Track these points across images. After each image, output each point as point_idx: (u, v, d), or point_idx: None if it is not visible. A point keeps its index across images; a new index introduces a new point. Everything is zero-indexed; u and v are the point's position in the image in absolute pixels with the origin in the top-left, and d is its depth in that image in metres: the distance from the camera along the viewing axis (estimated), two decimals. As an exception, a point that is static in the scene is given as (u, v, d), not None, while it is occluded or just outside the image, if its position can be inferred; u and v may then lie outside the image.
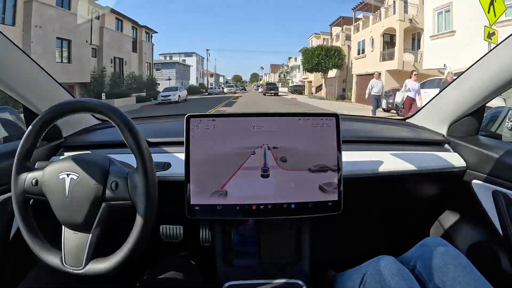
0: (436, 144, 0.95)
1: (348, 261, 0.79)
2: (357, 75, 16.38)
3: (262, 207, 0.69)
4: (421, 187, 0.94)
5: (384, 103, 8.91)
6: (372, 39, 15.40)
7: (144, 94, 16.50)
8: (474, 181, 0.84)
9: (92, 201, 0.55)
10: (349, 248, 1.10)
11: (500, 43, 0.74)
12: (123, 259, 0.54)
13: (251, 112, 0.71)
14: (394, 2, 13.57)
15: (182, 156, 0.71)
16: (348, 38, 18.79)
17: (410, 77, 6.76)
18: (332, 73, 18.66)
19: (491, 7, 7.06)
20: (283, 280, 0.78)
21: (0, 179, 0.67)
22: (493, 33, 7.14)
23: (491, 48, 0.77)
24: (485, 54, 0.78)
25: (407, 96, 6.58)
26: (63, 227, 0.57)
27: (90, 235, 0.55)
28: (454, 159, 0.88)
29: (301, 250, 0.85)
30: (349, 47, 18.32)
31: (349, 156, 0.81)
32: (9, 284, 0.72)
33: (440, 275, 0.61)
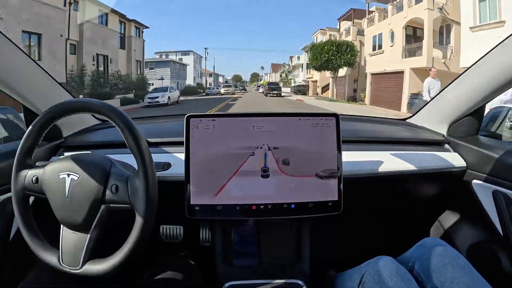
0: (436, 144, 0.95)
1: (348, 261, 0.79)
2: (372, 74, 14.18)
3: (262, 207, 0.69)
4: (421, 187, 0.94)
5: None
6: (392, 32, 13.03)
7: (131, 95, 14.68)
8: (474, 181, 0.84)
9: (91, 202, 0.55)
10: (349, 248, 1.10)
11: (500, 43, 0.74)
12: (122, 260, 0.54)
13: (251, 112, 0.71)
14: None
15: (182, 156, 0.71)
16: (360, 32, 15.91)
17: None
18: (342, 71, 16.17)
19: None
20: (283, 280, 0.79)
21: (0, 179, 0.67)
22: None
23: (491, 47, 0.75)
24: (485, 54, 0.78)
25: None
26: (61, 226, 0.57)
27: (89, 235, 0.56)
28: (454, 159, 0.88)
29: (301, 250, 0.85)
30: (361, 42, 15.65)
31: (349, 156, 0.81)
32: (9, 284, 0.72)
33: (438, 276, 0.61)
